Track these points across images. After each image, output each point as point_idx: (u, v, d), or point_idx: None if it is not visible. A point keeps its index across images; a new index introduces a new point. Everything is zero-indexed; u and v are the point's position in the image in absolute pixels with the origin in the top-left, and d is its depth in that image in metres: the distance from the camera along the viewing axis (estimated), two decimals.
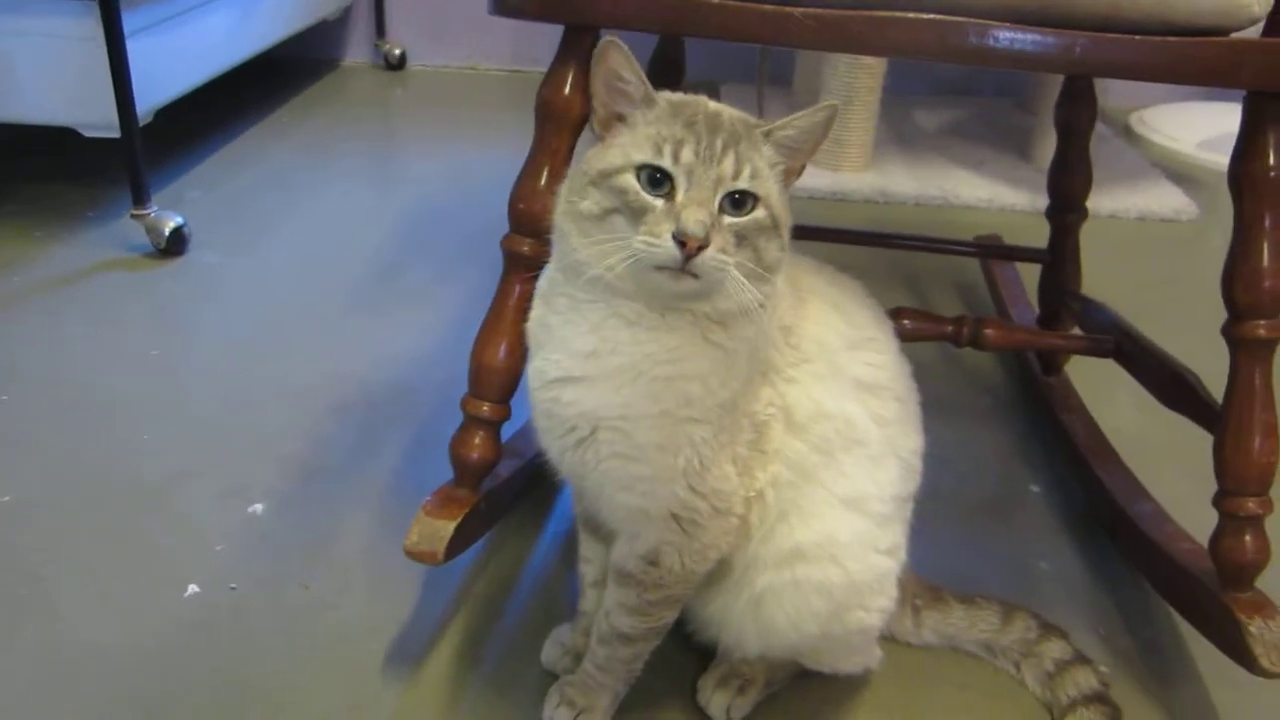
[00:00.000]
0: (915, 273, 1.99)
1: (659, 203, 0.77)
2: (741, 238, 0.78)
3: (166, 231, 1.88)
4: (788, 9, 0.94)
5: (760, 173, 0.79)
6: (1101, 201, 2.35)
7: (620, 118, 0.82)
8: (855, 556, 0.92)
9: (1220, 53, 0.93)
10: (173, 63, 2.08)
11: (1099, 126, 2.77)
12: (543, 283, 0.89)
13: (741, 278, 0.77)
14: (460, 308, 1.77)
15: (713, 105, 0.82)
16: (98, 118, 1.84)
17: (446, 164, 2.48)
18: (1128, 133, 2.95)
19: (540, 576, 1.20)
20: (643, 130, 0.80)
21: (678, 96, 0.82)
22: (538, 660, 1.06)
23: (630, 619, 0.92)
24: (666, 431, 0.83)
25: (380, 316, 1.76)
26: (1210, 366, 1.04)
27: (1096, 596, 1.22)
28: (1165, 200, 2.40)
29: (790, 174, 0.83)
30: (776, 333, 0.87)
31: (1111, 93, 3.14)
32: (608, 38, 0.81)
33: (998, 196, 2.38)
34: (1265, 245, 1.00)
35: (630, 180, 0.77)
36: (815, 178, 2.42)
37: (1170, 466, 1.36)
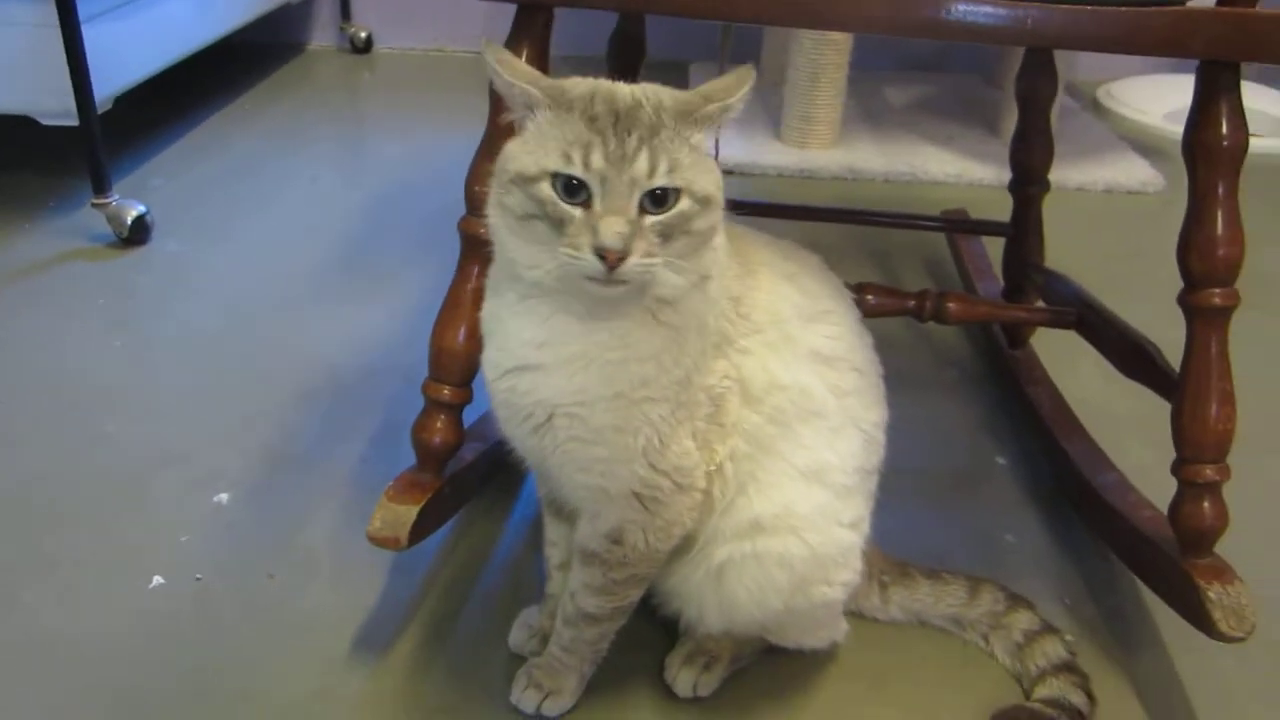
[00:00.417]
0: (884, 248, 1.99)
1: (577, 212, 0.75)
2: (666, 234, 0.76)
3: (129, 220, 1.86)
4: None
5: (679, 163, 0.76)
6: (1069, 174, 2.36)
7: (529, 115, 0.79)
8: (816, 528, 0.92)
9: (1172, 22, 0.93)
10: (131, 48, 2.05)
11: (1067, 100, 2.80)
12: (491, 274, 0.89)
13: (673, 272, 0.77)
14: (428, 290, 1.76)
15: (622, 92, 0.78)
16: (55, 105, 1.82)
17: (414, 146, 2.46)
18: (1095, 106, 2.96)
19: (508, 559, 1.20)
20: (550, 132, 0.76)
21: (584, 87, 0.78)
22: (505, 643, 1.06)
23: (596, 599, 0.92)
24: (622, 413, 0.83)
25: (347, 302, 1.75)
26: (1176, 336, 1.04)
27: (1062, 566, 1.23)
28: (1132, 172, 2.41)
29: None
30: (726, 303, 0.87)
31: (1079, 66, 3.15)
32: (484, 42, 0.79)
33: (966, 171, 2.38)
34: (1219, 214, 1.01)
35: (546, 190, 0.75)
36: (783, 155, 2.42)
37: (1135, 436, 1.37)
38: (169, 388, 1.50)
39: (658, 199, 0.75)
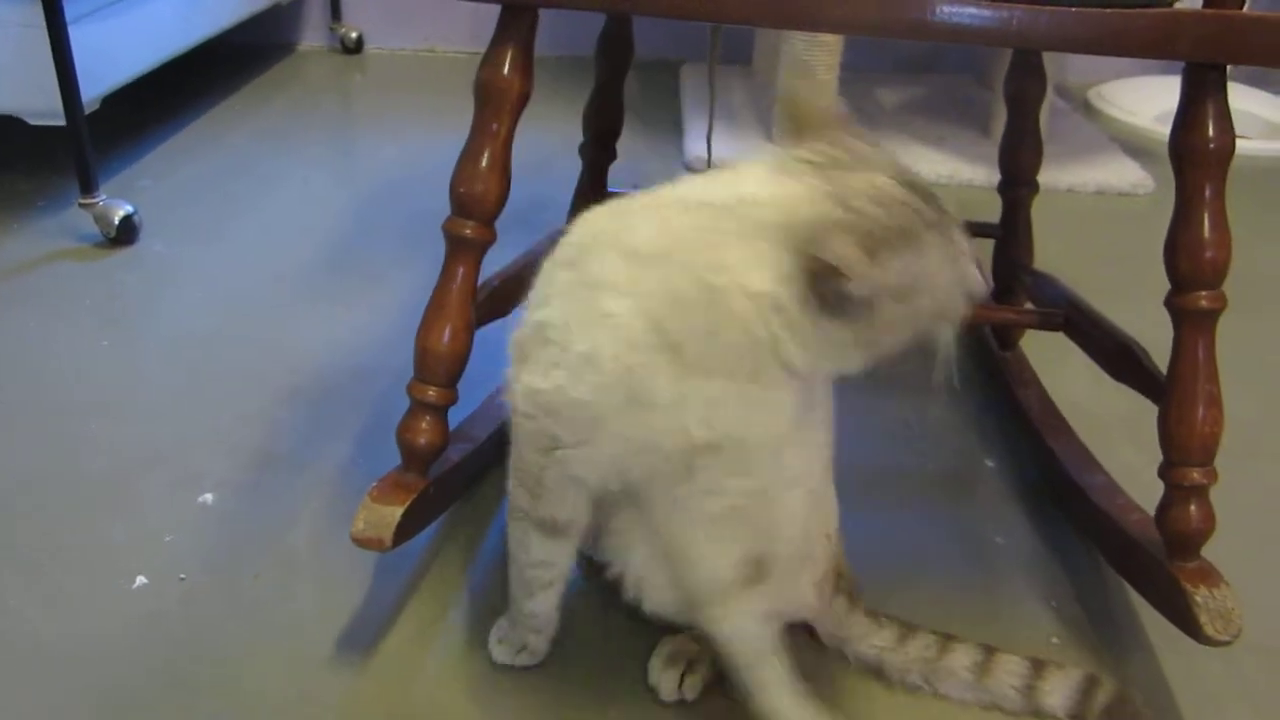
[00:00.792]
0: None
1: None
2: None
3: (116, 220, 1.85)
4: None
5: None
6: (1060, 176, 2.36)
7: None
8: None
9: (1157, 24, 0.92)
10: (119, 49, 2.04)
11: (1058, 101, 2.81)
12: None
13: None
14: (417, 291, 1.74)
15: None
16: (42, 105, 1.81)
17: (406, 147, 2.45)
18: (1087, 107, 2.97)
19: (494, 561, 1.20)
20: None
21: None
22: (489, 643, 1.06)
23: None
24: None
25: (336, 302, 1.74)
26: (1167, 338, 1.04)
27: (1050, 569, 1.23)
28: (1123, 174, 2.41)
29: None
30: None
31: (1071, 68, 3.16)
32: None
33: (957, 172, 2.38)
34: (1206, 216, 1.01)
35: None
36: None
37: (1125, 438, 1.37)
38: (156, 388, 1.49)
39: None
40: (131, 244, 1.88)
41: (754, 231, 0.79)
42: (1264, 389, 1.61)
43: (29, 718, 0.98)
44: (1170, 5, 0.96)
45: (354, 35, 3.19)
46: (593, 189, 1.54)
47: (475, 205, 1.04)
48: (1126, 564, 1.14)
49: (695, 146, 2.41)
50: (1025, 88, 1.49)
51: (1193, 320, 1.02)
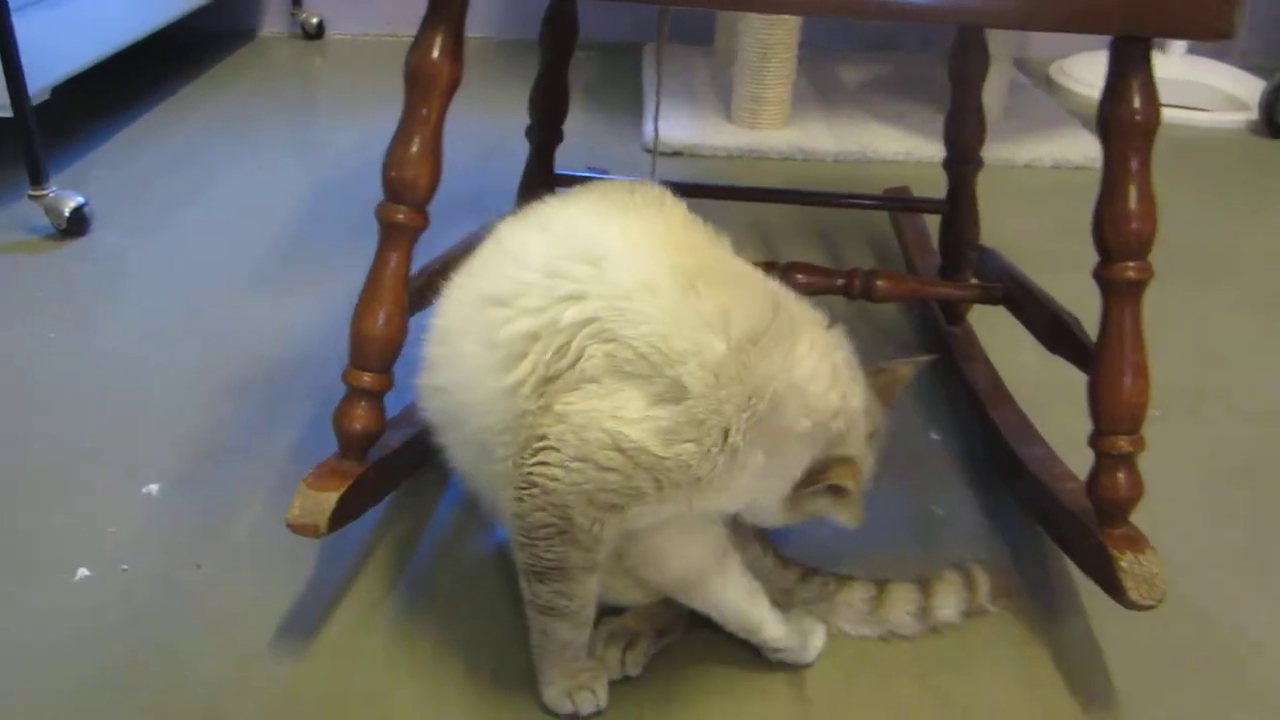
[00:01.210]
0: (830, 228, 2.00)
1: None
2: None
3: (66, 212, 1.84)
4: None
5: None
6: (1017, 151, 2.37)
7: None
8: None
9: None
10: (68, 38, 2.02)
11: (1019, 76, 2.81)
12: None
13: None
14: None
15: None
16: None
17: (366, 133, 2.43)
18: (1049, 82, 2.98)
19: (436, 544, 1.20)
20: None
21: None
22: (432, 624, 1.07)
23: None
24: None
25: (288, 291, 1.74)
26: None
27: (989, 538, 1.24)
28: (1079, 148, 2.42)
29: None
30: None
31: (1033, 44, 3.17)
32: None
33: (915, 149, 2.39)
34: (1132, 188, 1.02)
35: None
36: (733, 136, 2.42)
37: (1068, 409, 1.37)
38: (103, 379, 1.49)
39: None
40: (83, 235, 1.87)
41: None
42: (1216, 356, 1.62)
43: None
44: None
45: (315, 21, 3.16)
46: (540, 172, 1.54)
47: (407, 190, 1.05)
48: (1060, 532, 1.15)
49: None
50: (967, 64, 1.50)
51: (1120, 291, 1.03)
